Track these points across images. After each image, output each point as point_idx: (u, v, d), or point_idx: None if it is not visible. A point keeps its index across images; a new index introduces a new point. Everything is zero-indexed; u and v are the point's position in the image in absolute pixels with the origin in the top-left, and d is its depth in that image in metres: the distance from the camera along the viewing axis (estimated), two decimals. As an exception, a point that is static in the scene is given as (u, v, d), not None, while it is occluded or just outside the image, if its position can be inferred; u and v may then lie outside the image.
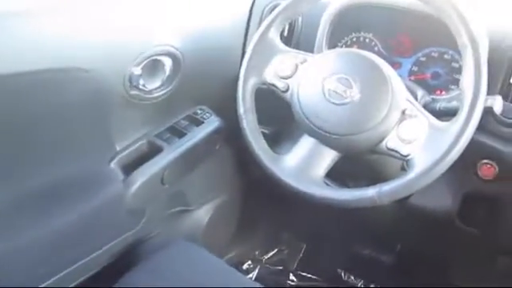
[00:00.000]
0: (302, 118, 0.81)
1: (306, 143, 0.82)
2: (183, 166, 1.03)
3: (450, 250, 1.07)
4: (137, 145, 0.98)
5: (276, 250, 1.54)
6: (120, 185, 0.93)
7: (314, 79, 0.80)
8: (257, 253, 1.52)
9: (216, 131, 1.07)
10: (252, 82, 0.87)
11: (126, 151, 0.97)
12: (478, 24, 0.74)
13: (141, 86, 0.91)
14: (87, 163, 0.90)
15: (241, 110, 0.87)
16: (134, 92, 0.90)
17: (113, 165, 0.94)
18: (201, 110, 1.08)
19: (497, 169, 0.89)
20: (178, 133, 1.03)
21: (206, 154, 1.10)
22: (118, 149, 0.96)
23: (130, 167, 0.96)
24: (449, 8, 0.74)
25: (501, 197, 0.90)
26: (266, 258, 1.53)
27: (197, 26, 1.00)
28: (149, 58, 0.89)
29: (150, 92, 0.94)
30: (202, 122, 1.06)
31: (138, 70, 0.89)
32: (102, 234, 0.94)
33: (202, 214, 1.24)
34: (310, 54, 0.86)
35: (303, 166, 0.81)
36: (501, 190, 0.90)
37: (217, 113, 1.09)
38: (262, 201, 1.39)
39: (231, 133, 1.00)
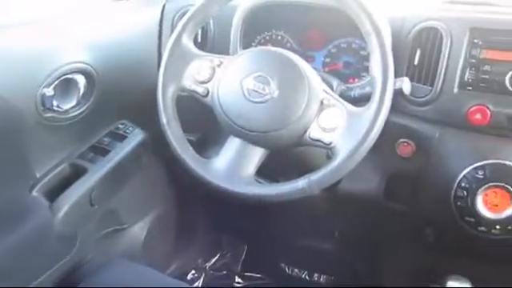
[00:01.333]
0: (225, 120, 0.82)
1: (232, 144, 0.83)
2: (111, 185, 1.01)
3: (382, 228, 1.12)
4: (59, 169, 0.95)
5: (218, 255, 1.54)
6: (46, 212, 0.89)
7: (232, 80, 0.81)
8: (200, 261, 1.50)
9: (141, 144, 1.05)
10: (171, 90, 0.87)
11: (48, 176, 0.93)
12: (378, 12, 0.79)
13: (55, 107, 0.87)
14: (7, 193, 0.85)
15: (163, 120, 0.86)
16: (48, 114, 0.86)
17: (35, 193, 0.90)
18: (122, 124, 1.06)
19: (414, 146, 0.95)
20: (102, 151, 1.00)
21: (133, 168, 1.07)
22: (38, 175, 0.92)
23: (54, 193, 0.92)
24: (350, 0, 0.78)
25: (420, 172, 0.96)
26: (209, 264, 1.52)
27: (107, 40, 0.98)
28: (60, 77, 0.86)
29: (66, 112, 0.90)
30: (126, 137, 1.04)
31: (49, 91, 0.85)
32: (35, 264, 0.89)
33: (138, 230, 1.21)
34: (226, 56, 0.87)
35: (233, 167, 0.82)
36: (420, 166, 0.95)
37: (140, 125, 1.07)
38: (197, 208, 1.38)
39: (157, 144, 0.99)
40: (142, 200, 1.20)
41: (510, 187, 0.86)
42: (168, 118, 0.86)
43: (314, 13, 0.99)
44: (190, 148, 0.86)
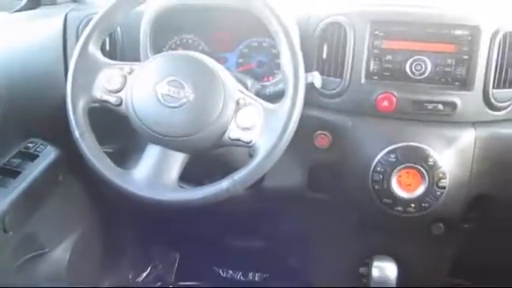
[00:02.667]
0: (142, 127, 0.80)
1: (152, 152, 0.81)
2: (26, 208, 0.95)
3: (309, 219, 1.16)
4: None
5: (150, 268, 1.50)
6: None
7: (145, 87, 0.79)
8: (130, 276, 1.46)
9: (54, 162, 1.00)
10: (82, 102, 0.83)
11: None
12: (284, 10, 0.81)
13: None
14: None
15: (76, 134, 0.82)
16: None
17: None
18: (32, 142, 1.00)
19: (330, 137, 0.99)
20: (12, 173, 0.94)
21: (49, 188, 1.02)
22: None
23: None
24: (256, 2, 0.79)
25: (339, 161, 1.00)
26: (141, 278, 1.48)
27: (7, 54, 0.92)
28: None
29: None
30: (37, 156, 0.98)
31: None
32: None
33: (62, 253, 1.15)
34: (137, 63, 0.85)
35: (154, 175, 0.80)
36: (338, 155, 0.99)
37: (52, 142, 1.02)
38: (123, 223, 1.34)
39: (73, 160, 0.95)
40: (62, 220, 1.14)
41: (419, 167, 0.92)
42: (81, 132, 0.82)
43: (223, 14, 0.99)
44: (108, 160, 0.83)
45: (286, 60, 0.79)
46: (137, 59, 0.94)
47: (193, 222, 1.28)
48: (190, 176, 0.84)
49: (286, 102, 0.78)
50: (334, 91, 0.96)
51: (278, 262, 1.38)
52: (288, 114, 0.77)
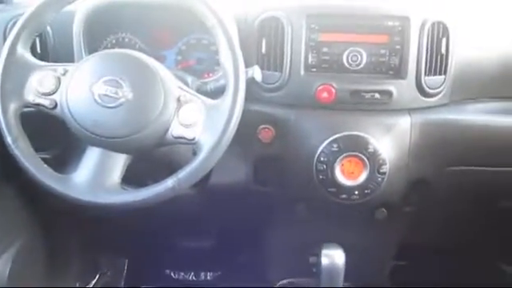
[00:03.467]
0: (80, 130, 0.77)
1: (91, 155, 0.79)
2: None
3: (257, 213, 1.16)
4: None
5: (98, 275, 1.46)
6: None
7: (81, 88, 0.77)
8: (78, 284, 1.41)
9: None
10: (13, 106, 0.79)
11: None
12: (220, 6, 0.81)
13: None
14: None
15: (9, 140, 0.78)
16: None
17: None
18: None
19: (273, 131, 0.99)
20: None
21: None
22: None
23: None
24: None
25: (284, 154, 1.01)
26: (89, 287, 1.43)
27: None
28: None
29: None
30: (-33, 166, 0.92)
31: None
32: None
33: (2, 265, 1.09)
34: (71, 64, 0.82)
35: (95, 178, 0.78)
36: (282, 148, 1.00)
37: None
38: (68, 231, 1.29)
39: (7, 168, 0.90)
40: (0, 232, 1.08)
41: (361, 155, 0.95)
42: (14, 138, 0.78)
43: (159, 12, 0.98)
44: (45, 166, 0.79)
45: (225, 56, 0.79)
46: (71, 60, 0.91)
47: (140, 226, 1.25)
48: (134, 178, 0.82)
49: (228, 97, 0.78)
50: (274, 85, 0.97)
51: (229, 259, 1.37)
52: (230, 109, 0.77)
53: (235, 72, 0.78)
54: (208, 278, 1.48)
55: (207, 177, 0.99)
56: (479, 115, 1.01)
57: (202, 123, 0.78)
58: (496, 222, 1.18)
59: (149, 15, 1.00)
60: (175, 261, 1.44)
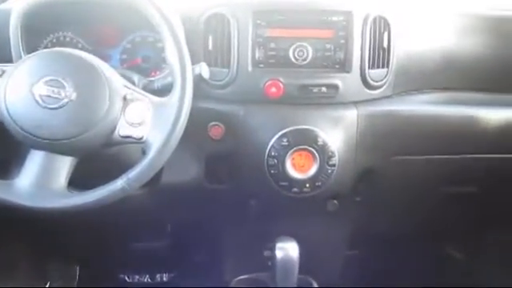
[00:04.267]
0: (21, 133, 0.74)
1: (35, 158, 0.76)
2: None
3: (210, 211, 1.16)
4: None
5: (48, 285, 1.41)
6: None
7: (21, 89, 0.74)
8: (27, 296, 1.36)
9: None
10: None
11: None
12: (165, 2, 0.80)
13: None
14: None
15: None
16: None
17: None
18: None
19: (223, 127, 0.99)
20: None
21: None
22: None
23: None
24: None
25: (235, 150, 1.01)
26: (39, 297, 1.38)
27: None
28: None
29: None
30: None
31: None
32: None
33: None
34: (8, 64, 0.78)
35: (39, 182, 0.75)
36: (233, 145, 1.00)
37: None
38: (13, 237, 1.24)
39: None
40: None
41: (310, 148, 0.97)
42: None
43: (102, 9, 0.95)
44: None
45: (171, 53, 0.78)
46: (8, 60, 0.87)
47: (91, 230, 1.22)
48: (82, 180, 0.80)
49: (175, 94, 0.77)
50: (222, 81, 0.97)
51: (184, 259, 1.36)
52: (178, 106, 0.76)
53: (182, 69, 0.78)
54: (164, 279, 1.46)
55: (158, 176, 0.98)
56: (421, 106, 1.05)
57: (149, 122, 0.77)
58: (440, 208, 1.23)
59: (91, 13, 0.97)
60: (129, 264, 1.42)
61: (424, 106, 1.05)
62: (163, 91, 0.85)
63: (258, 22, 0.96)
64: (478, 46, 1.09)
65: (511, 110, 1.06)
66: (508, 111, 1.05)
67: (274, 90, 0.96)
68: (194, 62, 0.85)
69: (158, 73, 1.01)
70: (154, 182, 0.91)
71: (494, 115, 1.05)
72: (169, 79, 0.86)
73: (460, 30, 1.08)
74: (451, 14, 1.09)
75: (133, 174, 0.75)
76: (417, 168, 1.09)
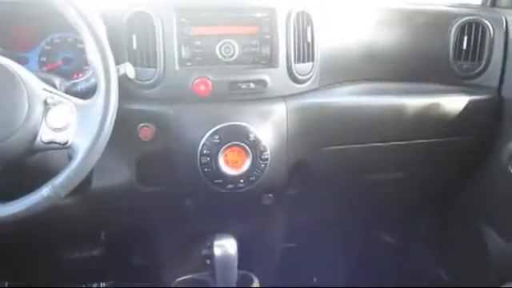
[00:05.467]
0: None
1: None
2: None
3: (145, 215, 1.13)
4: None
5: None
6: None
7: None
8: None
9: None
10: None
11: None
12: (84, 2, 0.77)
13: None
14: None
15: None
16: None
17: None
18: None
19: (154, 128, 0.98)
20: None
21: None
22: None
23: None
24: None
25: (166, 150, 0.99)
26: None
27: None
28: None
29: None
30: None
31: None
32: None
33: None
34: None
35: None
36: (164, 145, 0.99)
37: None
38: None
39: None
40: None
41: (243, 144, 0.97)
42: None
43: (17, 9, 0.91)
44: None
45: (93, 54, 0.76)
46: None
47: (19, 243, 1.16)
48: (8, 191, 0.76)
49: (100, 96, 0.75)
50: (150, 81, 0.95)
51: (121, 266, 1.33)
52: (103, 108, 0.74)
53: (105, 70, 0.76)
54: (101, 286, 1.41)
55: (87, 181, 0.95)
56: (346, 97, 1.09)
57: (74, 125, 0.74)
58: (369, 195, 1.28)
59: (5, 13, 0.92)
60: (63, 276, 1.35)
61: (348, 97, 1.09)
62: (87, 93, 0.83)
63: (183, 20, 0.95)
64: (396, 39, 1.15)
65: (428, 97, 1.12)
66: (425, 99, 1.12)
67: (202, 87, 0.96)
68: (118, 62, 0.83)
69: (80, 75, 0.97)
70: (83, 188, 0.88)
71: (412, 103, 1.11)
72: (92, 81, 0.84)
73: (378, 23, 1.14)
74: (371, 9, 1.14)
75: (58, 180, 0.73)
76: (345, 157, 1.13)
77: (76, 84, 0.87)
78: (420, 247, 1.54)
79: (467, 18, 1.15)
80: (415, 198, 1.40)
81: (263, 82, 0.99)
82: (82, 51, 0.96)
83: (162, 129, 0.98)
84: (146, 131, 0.97)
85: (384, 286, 1.36)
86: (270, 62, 1.00)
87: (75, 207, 1.04)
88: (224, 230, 1.11)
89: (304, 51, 1.02)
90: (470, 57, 1.16)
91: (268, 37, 0.99)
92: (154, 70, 0.94)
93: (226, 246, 1.05)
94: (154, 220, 1.16)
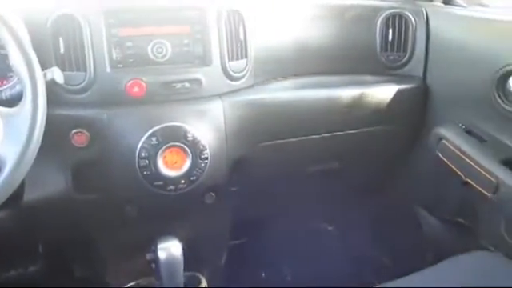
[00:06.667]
0: None
1: None
2: None
3: (83, 223, 1.10)
4: None
5: None
6: None
7: None
8: None
9: None
10: None
11: None
12: (2, 3, 0.74)
13: None
14: None
15: None
16: None
17: None
18: None
19: (88, 134, 0.95)
20: None
21: None
22: None
23: None
24: None
25: (103, 156, 0.97)
26: None
27: None
28: None
29: None
30: None
31: None
32: None
33: None
34: None
35: None
36: (100, 151, 0.96)
37: None
38: None
39: None
40: None
41: (181, 144, 0.96)
42: None
43: None
44: None
45: (16, 59, 0.73)
46: None
47: None
48: None
49: (26, 103, 0.72)
50: (80, 85, 0.92)
51: (62, 279, 1.27)
52: (31, 116, 0.71)
53: (31, 76, 0.73)
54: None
55: (19, 193, 0.90)
56: (281, 92, 1.11)
57: (0, 135, 0.70)
58: (309, 187, 1.31)
59: None
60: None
61: (284, 92, 1.11)
62: (13, 101, 0.79)
63: (111, 21, 0.93)
64: (328, 34, 1.18)
65: (358, 88, 1.16)
66: (355, 90, 1.16)
67: (136, 89, 0.94)
68: (45, 68, 0.80)
69: (5, 82, 0.92)
70: (14, 201, 0.84)
71: (343, 95, 1.15)
72: (18, 88, 0.80)
73: (311, 19, 1.16)
74: (302, 5, 1.17)
75: None
76: (284, 151, 1.15)
77: (0, 92, 0.83)
78: (363, 235, 1.59)
79: (391, 11, 1.20)
80: (355, 187, 1.44)
81: (198, 81, 0.98)
82: (5, 57, 0.91)
83: (96, 134, 0.95)
84: (79, 137, 0.94)
85: (329, 276, 1.40)
86: (204, 60, 1.00)
87: (7, 221, 0.99)
88: (168, 233, 1.10)
89: (237, 49, 1.02)
90: (395, 48, 1.21)
91: (200, 36, 0.99)
92: (83, 73, 0.92)
93: (170, 249, 1.04)
94: (94, 228, 1.12)
